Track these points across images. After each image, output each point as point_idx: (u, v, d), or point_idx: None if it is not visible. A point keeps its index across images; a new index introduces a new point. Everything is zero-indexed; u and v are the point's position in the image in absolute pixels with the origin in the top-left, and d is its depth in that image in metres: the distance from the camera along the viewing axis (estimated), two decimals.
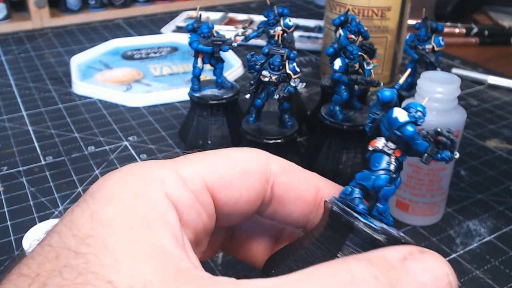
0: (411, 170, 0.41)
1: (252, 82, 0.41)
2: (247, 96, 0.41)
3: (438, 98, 0.39)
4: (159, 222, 0.20)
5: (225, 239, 0.28)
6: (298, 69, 0.39)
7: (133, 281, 0.17)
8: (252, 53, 0.40)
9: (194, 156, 0.24)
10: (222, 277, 0.19)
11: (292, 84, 0.39)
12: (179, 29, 0.93)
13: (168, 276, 0.18)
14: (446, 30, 0.89)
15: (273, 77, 0.39)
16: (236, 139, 0.52)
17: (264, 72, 0.39)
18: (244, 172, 0.24)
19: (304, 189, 0.25)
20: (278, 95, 0.39)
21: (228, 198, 0.23)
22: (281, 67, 0.39)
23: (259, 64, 0.39)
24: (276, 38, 0.53)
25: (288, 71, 0.39)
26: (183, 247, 0.20)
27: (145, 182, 0.21)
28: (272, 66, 0.39)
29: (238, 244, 0.28)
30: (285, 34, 0.53)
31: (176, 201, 0.21)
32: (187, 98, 0.52)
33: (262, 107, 0.43)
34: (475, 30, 0.91)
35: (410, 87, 0.51)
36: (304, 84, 0.40)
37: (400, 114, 0.22)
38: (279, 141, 0.42)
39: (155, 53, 0.81)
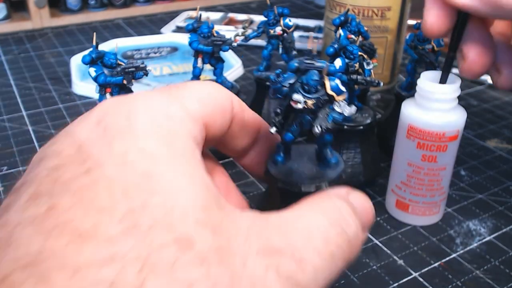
0: (411, 169, 0.41)
1: (278, 110, 0.29)
2: (273, 130, 0.29)
3: (438, 98, 0.39)
4: (198, 162, 0.20)
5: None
6: (343, 88, 0.28)
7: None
8: (278, 71, 0.29)
9: (186, 90, 0.24)
10: (249, 212, 0.21)
11: (337, 109, 0.28)
12: (179, 29, 0.93)
13: (220, 212, 0.19)
14: None
15: (309, 102, 0.28)
16: None
17: (296, 96, 0.28)
18: (222, 109, 0.26)
19: (251, 127, 0.28)
20: (319, 127, 0.28)
21: (211, 134, 0.25)
22: (319, 88, 0.28)
23: (288, 85, 0.28)
24: (276, 38, 0.53)
25: (329, 91, 0.28)
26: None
27: (171, 121, 0.21)
28: (306, 87, 0.28)
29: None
30: (285, 34, 0.53)
31: (196, 139, 0.22)
32: None
33: (293, 142, 0.31)
34: None
35: (410, 87, 0.51)
36: (354, 108, 0.29)
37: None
38: (323, 187, 0.30)
39: (155, 53, 0.81)
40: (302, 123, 0.30)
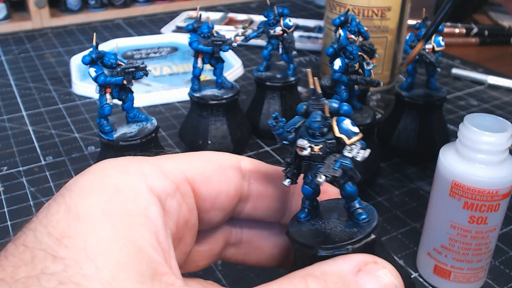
0: (454, 232, 0.35)
1: (289, 159, 0.25)
2: (286, 182, 0.25)
3: (485, 149, 0.33)
4: (139, 218, 0.19)
5: (231, 248, 0.28)
6: (355, 129, 0.24)
7: None
8: (274, 114, 0.25)
9: (170, 155, 0.24)
10: (194, 284, 0.19)
11: (347, 154, 0.23)
12: (179, 29, 0.93)
13: (146, 283, 0.17)
14: (446, 30, 0.89)
15: (316, 148, 0.24)
16: (236, 139, 0.52)
17: (300, 142, 0.24)
18: (220, 167, 0.24)
19: (279, 181, 0.26)
20: (323, 177, 0.23)
21: (209, 192, 0.24)
22: (325, 130, 0.24)
23: (293, 130, 0.25)
24: (276, 38, 0.53)
25: (338, 134, 0.24)
26: (163, 246, 0.20)
27: (125, 175, 0.21)
28: (310, 131, 0.24)
29: (249, 250, 0.28)
30: (285, 34, 0.53)
31: (159, 192, 0.21)
32: (187, 98, 0.52)
33: (315, 195, 0.26)
34: (475, 30, 0.91)
35: (410, 87, 0.51)
36: (368, 151, 0.24)
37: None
38: (344, 251, 0.23)
39: (155, 53, 0.81)
40: (316, 171, 0.24)
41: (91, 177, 0.20)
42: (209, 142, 0.51)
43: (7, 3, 0.93)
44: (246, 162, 0.26)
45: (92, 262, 0.17)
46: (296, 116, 0.25)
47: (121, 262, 0.17)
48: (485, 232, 0.35)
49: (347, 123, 0.24)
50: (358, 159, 0.24)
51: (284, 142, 0.25)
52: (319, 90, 0.24)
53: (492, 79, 0.71)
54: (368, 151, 0.24)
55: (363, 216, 0.25)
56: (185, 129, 0.53)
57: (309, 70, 0.25)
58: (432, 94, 0.51)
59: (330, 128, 0.24)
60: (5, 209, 0.45)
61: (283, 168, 0.25)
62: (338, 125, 0.24)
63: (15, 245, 0.18)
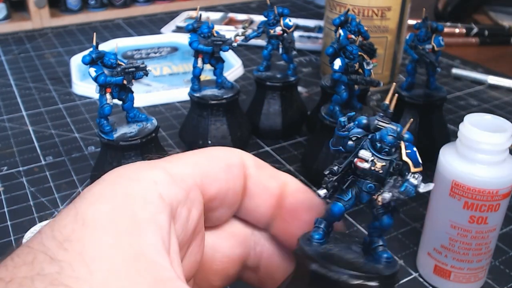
0: (455, 232, 0.35)
1: (336, 168, 0.23)
2: (322, 193, 0.23)
3: (485, 149, 0.33)
4: (147, 224, 0.19)
5: (248, 271, 0.28)
6: (420, 160, 0.22)
7: None
8: (351, 114, 0.23)
9: (180, 157, 0.24)
10: None
11: (413, 180, 0.22)
12: (179, 29, 0.93)
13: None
14: (446, 30, 0.89)
15: (378, 164, 0.22)
16: (236, 139, 0.52)
17: (364, 153, 0.22)
18: (227, 165, 0.24)
19: (272, 183, 0.26)
20: (388, 195, 0.22)
21: (217, 192, 0.24)
22: (393, 150, 0.22)
23: (354, 138, 0.23)
24: (276, 38, 0.53)
25: (405, 158, 0.22)
26: (168, 252, 0.19)
27: (137, 183, 0.21)
28: (379, 145, 0.22)
29: (266, 278, 0.27)
30: (285, 34, 0.53)
31: (170, 200, 0.21)
32: (187, 98, 0.52)
33: (340, 218, 0.24)
34: (475, 30, 0.91)
35: (410, 87, 0.51)
36: (432, 185, 0.22)
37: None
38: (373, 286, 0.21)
39: (155, 53, 0.81)
40: (360, 193, 0.23)
41: (103, 185, 0.21)
42: (209, 142, 0.51)
43: (7, 3, 0.93)
44: (248, 159, 0.26)
45: (86, 266, 0.17)
46: (356, 128, 0.23)
47: (117, 268, 0.17)
48: (485, 232, 0.35)
49: (416, 150, 0.22)
50: (420, 189, 0.22)
51: (340, 148, 0.23)
52: (391, 109, 0.23)
53: (492, 79, 0.71)
54: (432, 185, 0.22)
55: (386, 255, 0.23)
56: (185, 129, 0.53)
57: (394, 85, 0.24)
58: (432, 94, 0.51)
59: (398, 149, 0.22)
60: (5, 209, 0.45)
61: (328, 178, 0.23)
62: (406, 149, 0.22)
63: (23, 247, 0.18)
